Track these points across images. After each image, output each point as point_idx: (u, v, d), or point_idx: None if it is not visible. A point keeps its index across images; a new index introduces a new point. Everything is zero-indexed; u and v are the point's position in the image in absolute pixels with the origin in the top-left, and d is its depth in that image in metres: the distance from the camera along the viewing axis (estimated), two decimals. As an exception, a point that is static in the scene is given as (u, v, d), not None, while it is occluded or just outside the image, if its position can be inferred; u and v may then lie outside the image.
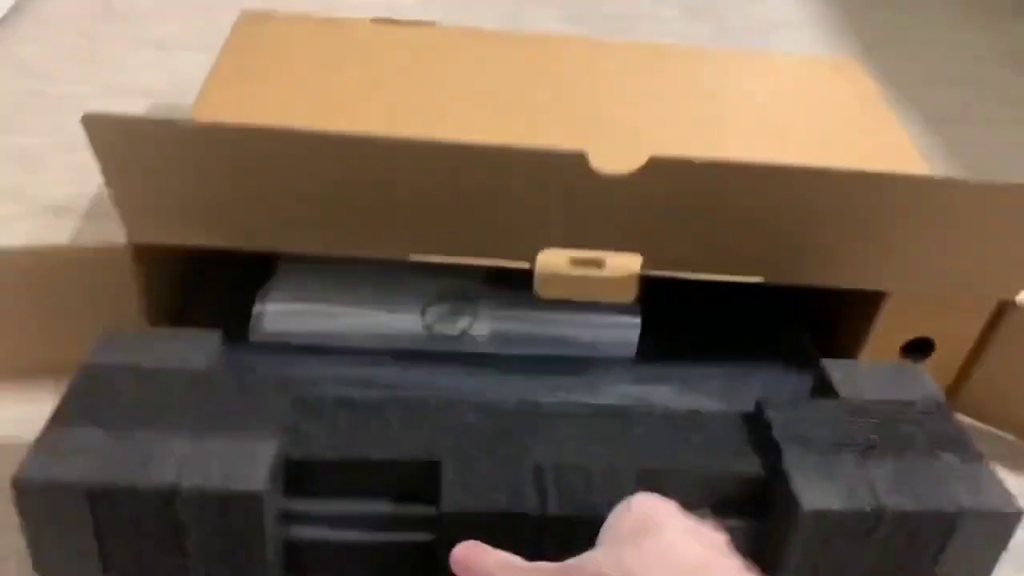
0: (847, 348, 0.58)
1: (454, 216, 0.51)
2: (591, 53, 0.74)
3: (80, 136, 0.82)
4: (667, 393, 0.52)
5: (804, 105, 0.70)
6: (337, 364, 0.52)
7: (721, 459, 0.44)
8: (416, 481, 0.43)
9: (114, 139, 0.48)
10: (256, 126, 0.48)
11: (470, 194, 0.50)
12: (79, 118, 0.81)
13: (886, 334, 0.55)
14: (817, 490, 0.41)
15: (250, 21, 0.74)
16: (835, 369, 0.49)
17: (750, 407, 0.47)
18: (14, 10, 0.95)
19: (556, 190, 0.49)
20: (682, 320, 0.58)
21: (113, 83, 0.88)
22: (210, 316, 0.53)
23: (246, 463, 0.40)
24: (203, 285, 0.59)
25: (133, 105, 0.85)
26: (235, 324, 0.53)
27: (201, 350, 0.46)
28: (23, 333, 0.55)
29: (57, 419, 0.41)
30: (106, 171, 0.49)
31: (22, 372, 0.58)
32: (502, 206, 0.51)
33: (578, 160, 0.47)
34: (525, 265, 0.52)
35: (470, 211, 0.51)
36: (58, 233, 0.70)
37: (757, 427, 0.45)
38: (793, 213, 0.50)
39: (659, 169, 0.47)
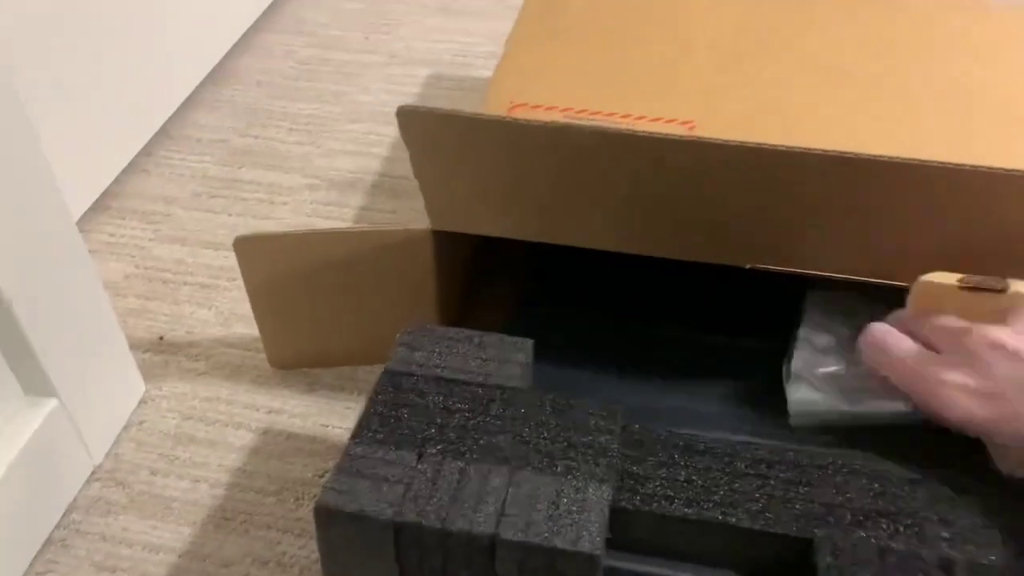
0: None
1: (796, 225, 0.42)
2: (928, 14, 0.61)
3: (364, 106, 0.80)
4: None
5: None
6: (665, 391, 0.45)
7: None
8: (770, 558, 0.35)
9: (424, 131, 0.43)
10: (560, 123, 0.42)
11: (823, 206, 0.41)
12: (362, 87, 0.77)
13: None
14: None
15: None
16: None
17: None
18: (303, -24, 0.95)
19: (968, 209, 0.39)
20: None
21: (397, 51, 0.85)
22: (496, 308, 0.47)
23: (578, 513, 0.33)
24: (490, 274, 0.54)
25: (417, 74, 0.82)
26: (524, 321, 0.47)
27: (515, 363, 0.40)
28: (307, 319, 0.52)
29: (361, 435, 0.36)
30: (414, 161, 0.44)
31: (305, 360, 0.55)
32: (875, 222, 0.41)
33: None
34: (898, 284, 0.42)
35: (824, 223, 0.42)
36: (342, 211, 0.67)
37: None
38: None
39: None
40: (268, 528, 0.48)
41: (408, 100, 0.79)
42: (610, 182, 0.43)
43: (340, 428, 0.52)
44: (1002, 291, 0.41)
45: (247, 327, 0.58)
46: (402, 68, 0.83)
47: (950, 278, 0.41)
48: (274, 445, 0.52)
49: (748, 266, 0.44)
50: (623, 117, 0.53)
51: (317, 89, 0.80)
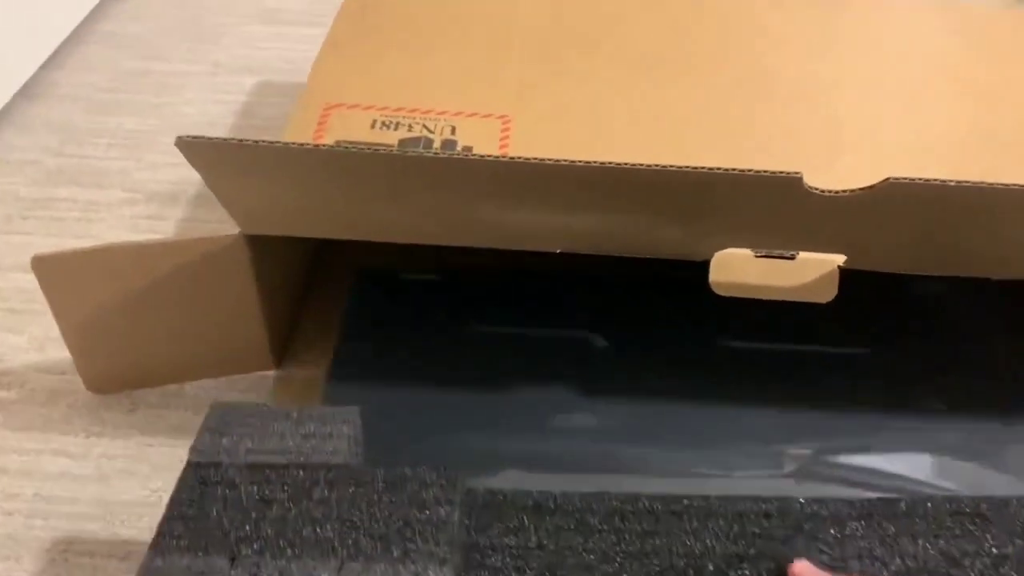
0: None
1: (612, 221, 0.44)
2: (751, 8, 0.65)
3: (187, 117, 0.78)
4: (918, 465, 0.44)
5: (1009, 63, 0.60)
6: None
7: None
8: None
9: (210, 159, 0.41)
10: (349, 150, 0.41)
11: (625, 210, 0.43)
12: (186, 98, 0.75)
13: None
14: None
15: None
16: None
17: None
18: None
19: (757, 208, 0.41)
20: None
21: (220, 60, 0.83)
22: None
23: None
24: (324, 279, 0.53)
25: (242, 83, 0.80)
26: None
27: (339, 436, 0.37)
28: (121, 338, 0.49)
29: (161, 543, 0.33)
30: (209, 184, 0.43)
31: (125, 381, 0.53)
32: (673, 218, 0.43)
33: (793, 183, 0.38)
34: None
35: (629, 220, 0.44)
36: (163, 223, 0.65)
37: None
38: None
39: (890, 190, 0.38)
40: (91, 555, 0.46)
41: (234, 108, 0.77)
42: (402, 198, 0.43)
43: (165, 447, 0.51)
44: (791, 259, 0.44)
45: (65, 351, 0.56)
46: (227, 77, 0.81)
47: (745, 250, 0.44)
48: (94, 469, 0.50)
49: (558, 250, 0.45)
50: (439, 113, 0.54)
51: (136, 102, 0.77)
